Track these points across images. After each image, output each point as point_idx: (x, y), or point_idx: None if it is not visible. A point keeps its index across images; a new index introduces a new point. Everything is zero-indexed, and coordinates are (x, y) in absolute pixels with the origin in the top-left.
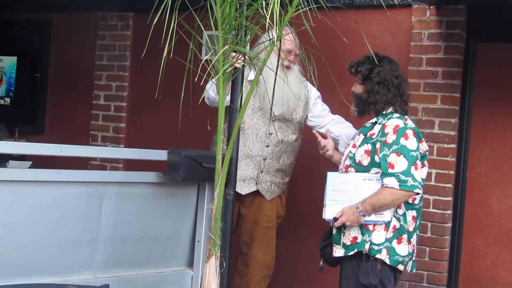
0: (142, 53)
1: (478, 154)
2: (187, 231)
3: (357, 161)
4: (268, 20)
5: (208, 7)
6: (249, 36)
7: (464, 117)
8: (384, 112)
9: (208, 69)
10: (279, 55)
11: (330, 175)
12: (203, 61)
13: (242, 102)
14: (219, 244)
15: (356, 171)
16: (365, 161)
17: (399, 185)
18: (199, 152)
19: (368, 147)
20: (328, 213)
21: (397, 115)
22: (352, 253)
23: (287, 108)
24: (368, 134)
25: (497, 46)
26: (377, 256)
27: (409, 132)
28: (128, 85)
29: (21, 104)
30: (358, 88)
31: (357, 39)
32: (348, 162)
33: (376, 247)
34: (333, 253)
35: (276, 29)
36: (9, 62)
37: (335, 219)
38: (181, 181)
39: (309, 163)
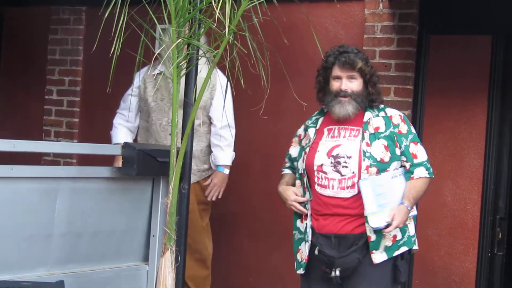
0: (93, 48)
1: (431, 145)
2: (142, 225)
3: (378, 159)
4: (219, 13)
5: (162, 0)
6: (202, 29)
7: (417, 109)
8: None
9: (161, 62)
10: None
11: (365, 182)
12: (156, 54)
13: (196, 96)
14: (174, 238)
15: (378, 169)
16: (387, 157)
17: (428, 173)
18: (153, 147)
19: (384, 142)
20: (378, 221)
21: (383, 105)
22: (397, 253)
23: None
24: (373, 129)
25: (449, 38)
26: (414, 247)
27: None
28: (81, 80)
29: None
30: (355, 85)
31: (311, 32)
32: (367, 162)
33: (412, 239)
34: (373, 260)
35: (227, 23)
36: None
37: (386, 225)
38: (136, 176)
39: (264, 157)
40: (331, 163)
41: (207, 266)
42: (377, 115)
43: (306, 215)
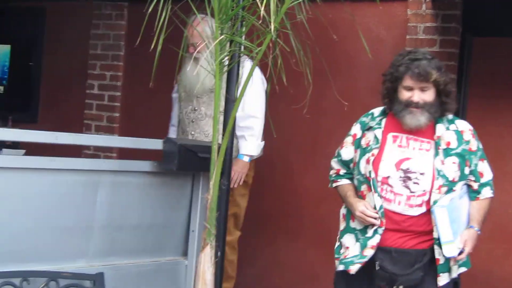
0: (136, 43)
1: None
2: (181, 220)
3: (450, 178)
4: (263, 10)
5: None
6: (245, 27)
7: (459, 112)
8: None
9: (203, 58)
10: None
11: (442, 210)
12: (196, 50)
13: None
14: (214, 233)
15: (448, 189)
16: (457, 177)
17: (492, 192)
18: (194, 142)
19: (455, 159)
20: (453, 249)
21: (451, 115)
22: (457, 274)
23: (202, 85)
24: (445, 144)
25: (493, 41)
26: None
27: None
28: (122, 75)
29: (15, 93)
30: (428, 96)
31: (354, 31)
32: (440, 181)
33: (469, 259)
34: (439, 283)
35: (272, 20)
36: (2, 50)
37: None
38: (176, 171)
39: (303, 156)
40: (400, 177)
41: (231, 251)
42: (448, 128)
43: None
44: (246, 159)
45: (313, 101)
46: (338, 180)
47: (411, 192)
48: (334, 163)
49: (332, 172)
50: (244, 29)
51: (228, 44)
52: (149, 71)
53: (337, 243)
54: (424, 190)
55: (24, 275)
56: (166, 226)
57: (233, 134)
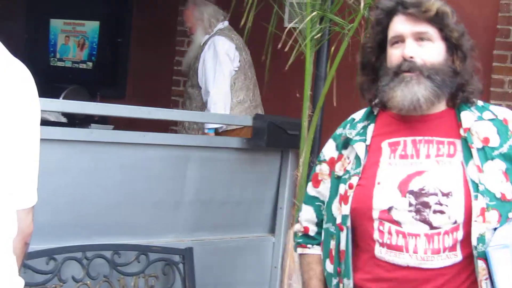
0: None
1: None
2: (269, 197)
3: (498, 195)
4: None
5: None
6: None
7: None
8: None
9: (295, 34)
10: None
11: (501, 250)
12: (289, 27)
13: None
14: None
15: (500, 215)
16: (509, 191)
17: None
18: (283, 119)
19: (501, 164)
20: None
21: (481, 102)
22: None
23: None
24: (480, 142)
25: None
26: None
27: None
28: None
29: (103, 68)
30: (429, 52)
31: None
32: (482, 202)
33: None
34: None
35: None
36: (91, 26)
37: None
38: (265, 147)
39: None
40: (410, 205)
41: None
42: (481, 118)
43: None
44: (211, 131)
45: None
46: (306, 245)
47: (433, 227)
48: (303, 213)
49: (297, 228)
50: (335, 5)
51: (319, 21)
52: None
53: None
54: (455, 222)
55: (115, 248)
56: (253, 203)
57: (323, 111)
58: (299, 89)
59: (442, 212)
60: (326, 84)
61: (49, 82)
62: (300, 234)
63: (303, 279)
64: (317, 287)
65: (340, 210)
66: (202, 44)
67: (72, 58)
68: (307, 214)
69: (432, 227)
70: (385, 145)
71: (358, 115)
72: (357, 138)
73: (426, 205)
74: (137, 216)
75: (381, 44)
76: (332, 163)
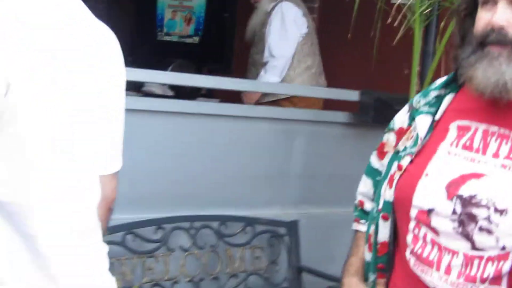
0: None
1: None
2: None
3: None
4: None
5: None
6: None
7: None
8: None
9: (404, 9)
10: None
11: None
12: (398, 2)
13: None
14: None
15: None
16: None
17: None
18: (390, 95)
19: None
20: None
21: None
22: None
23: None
24: None
25: None
26: None
27: None
28: (317, 27)
29: (210, 43)
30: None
31: None
32: None
33: None
34: None
35: None
36: (198, 1)
37: None
38: (371, 123)
39: None
40: (454, 212)
41: None
42: None
43: None
44: None
45: None
46: (361, 220)
47: (476, 248)
48: (361, 185)
49: (356, 200)
50: None
51: None
52: (345, 21)
53: None
54: (503, 248)
55: (223, 219)
56: (359, 178)
57: None
58: (407, 65)
59: (489, 231)
60: (435, 60)
61: (156, 56)
62: (357, 206)
63: (347, 254)
64: (356, 264)
65: (384, 194)
66: (269, 10)
67: (178, 33)
68: (365, 187)
69: (474, 247)
70: (453, 126)
71: (440, 80)
72: (425, 109)
73: (473, 218)
74: (245, 188)
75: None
76: (400, 133)
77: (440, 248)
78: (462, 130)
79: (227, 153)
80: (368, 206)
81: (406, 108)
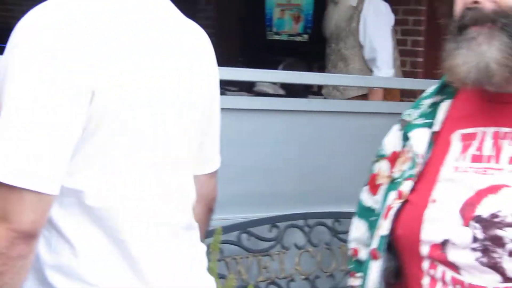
0: None
1: None
2: None
3: None
4: None
5: None
6: None
7: None
8: None
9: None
10: None
11: None
12: None
13: None
14: None
15: None
16: None
17: None
18: None
19: None
20: None
21: None
22: None
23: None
24: None
25: None
26: None
27: None
28: (424, 19)
29: (318, 41)
30: None
31: None
32: None
33: None
34: None
35: None
36: None
37: None
38: None
39: None
40: (475, 240)
41: None
42: None
43: None
44: None
45: None
46: (357, 273)
47: (508, 279)
48: (352, 230)
49: (349, 249)
50: None
51: None
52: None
53: None
54: None
55: (336, 216)
56: None
57: None
58: None
59: None
60: None
61: (267, 56)
62: (351, 256)
63: None
64: None
65: (379, 229)
66: (355, 5)
67: (288, 31)
68: (358, 231)
69: (506, 279)
70: (456, 137)
71: (430, 88)
72: (420, 121)
73: (499, 241)
74: (357, 184)
75: None
76: (394, 159)
77: (463, 286)
78: (467, 139)
79: (339, 149)
80: (364, 254)
81: (396, 127)
